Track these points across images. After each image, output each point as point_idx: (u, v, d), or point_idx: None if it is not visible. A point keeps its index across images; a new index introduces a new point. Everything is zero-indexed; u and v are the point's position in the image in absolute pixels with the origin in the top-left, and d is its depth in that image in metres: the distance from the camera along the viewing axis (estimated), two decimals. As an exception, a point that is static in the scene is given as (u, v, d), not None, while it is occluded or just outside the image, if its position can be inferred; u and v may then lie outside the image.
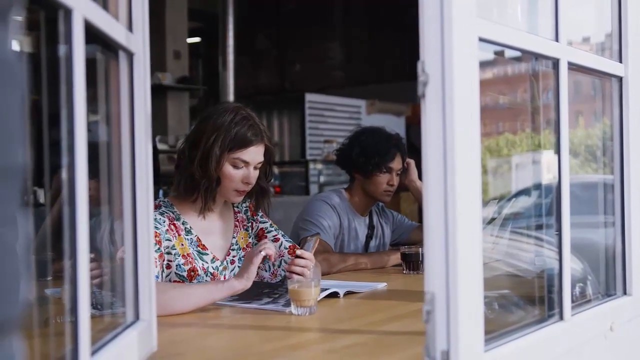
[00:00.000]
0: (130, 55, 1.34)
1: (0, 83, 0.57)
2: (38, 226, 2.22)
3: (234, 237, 2.36)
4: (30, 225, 0.63)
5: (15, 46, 0.61)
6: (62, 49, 0.99)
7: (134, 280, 1.36)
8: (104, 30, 1.15)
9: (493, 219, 2.01)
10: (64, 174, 0.98)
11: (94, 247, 1.06)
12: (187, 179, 2.21)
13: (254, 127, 2.20)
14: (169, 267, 2.15)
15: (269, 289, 2.18)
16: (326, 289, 2.11)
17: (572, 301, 1.54)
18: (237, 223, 2.39)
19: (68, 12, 0.98)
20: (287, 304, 1.93)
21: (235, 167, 2.20)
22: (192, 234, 2.24)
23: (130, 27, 1.34)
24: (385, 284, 2.39)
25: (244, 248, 2.37)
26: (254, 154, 2.21)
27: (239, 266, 2.31)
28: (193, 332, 1.77)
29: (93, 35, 1.10)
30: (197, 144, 2.19)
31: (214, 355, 1.59)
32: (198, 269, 2.19)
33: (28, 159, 0.60)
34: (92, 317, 1.05)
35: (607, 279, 1.86)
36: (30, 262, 0.63)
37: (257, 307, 1.95)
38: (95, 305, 1.31)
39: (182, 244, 2.20)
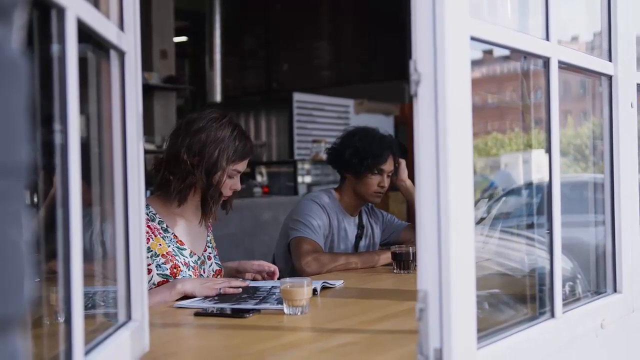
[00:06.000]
0: (121, 55, 1.33)
1: (5, 82, 0.57)
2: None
3: (208, 236, 2.44)
4: (35, 223, 0.63)
5: (19, 45, 0.61)
6: (54, 48, 0.98)
7: (126, 281, 1.36)
8: (96, 30, 1.14)
9: (482, 219, 2.02)
10: (57, 175, 0.98)
11: (83, 248, 1.05)
12: (188, 187, 2.25)
13: (249, 139, 2.32)
14: (149, 272, 2.15)
15: (253, 291, 2.18)
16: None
17: (563, 299, 1.54)
18: (209, 223, 2.46)
19: (61, 11, 0.97)
20: (280, 302, 1.92)
21: (231, 177, 2.29)
22: (169, 232, 2.28)
23: (121, 26, 1.33)
24: (342, 281, 2.39)
25: (215, 247, 2.46)
26: (246, 164, 2.34)
27: (215, 262, 2.42)
28: (185, 332, 1.77)
29: (84, 34, 1.09)
30: (197, 154, 2.23)
31: (206, 356, 1.58)
32: (180, 264, 2.24)
33: (31, 157, 0.61)
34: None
35: (598, 277, 1.87)
36: (34, 259, 0.63)
37: (252, 307, 1.94)
38: (86, 305, 1.30)
39: (160, 244, 2.23)
